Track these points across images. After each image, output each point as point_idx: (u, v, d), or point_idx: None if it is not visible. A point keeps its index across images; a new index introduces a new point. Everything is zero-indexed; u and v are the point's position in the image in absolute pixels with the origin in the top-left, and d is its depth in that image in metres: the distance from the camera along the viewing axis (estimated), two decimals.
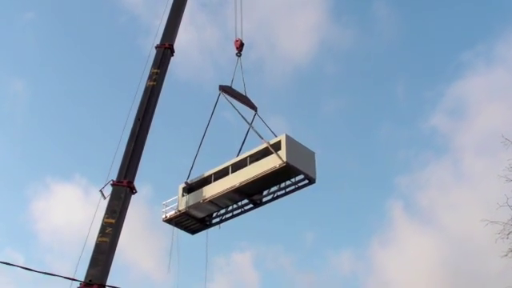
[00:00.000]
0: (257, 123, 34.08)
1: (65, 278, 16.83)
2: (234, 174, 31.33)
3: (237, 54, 36.01)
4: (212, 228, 34.22)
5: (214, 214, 33.72)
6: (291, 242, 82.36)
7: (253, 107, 34.89)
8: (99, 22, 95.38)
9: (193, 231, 34.34)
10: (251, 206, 32.54)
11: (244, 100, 34.86)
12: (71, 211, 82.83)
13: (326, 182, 31.23)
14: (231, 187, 31.02)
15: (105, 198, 28.82)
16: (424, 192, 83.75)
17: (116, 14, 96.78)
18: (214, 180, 32.07)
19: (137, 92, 31.80)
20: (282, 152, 29.58)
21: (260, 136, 31.56)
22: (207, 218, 33.84)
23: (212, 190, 31.81)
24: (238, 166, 31.42)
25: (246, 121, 33.54)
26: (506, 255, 19.03)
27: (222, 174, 31.98)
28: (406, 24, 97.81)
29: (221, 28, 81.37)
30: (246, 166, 31.05)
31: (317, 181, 30.69)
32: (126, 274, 67.74)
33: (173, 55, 33.54)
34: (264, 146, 30.76)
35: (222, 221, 33.74)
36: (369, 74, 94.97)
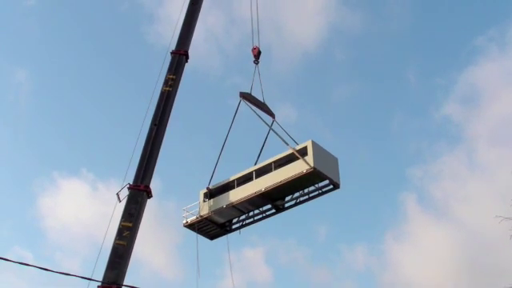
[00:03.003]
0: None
1: (82, 277, 16.79)
2: (258, 179, 31.72)
3: (254, 62, 36.62)
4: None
5: (235, 220, 34.01)
6: (303, 236, 79.95)
7: (271, 114, 35.46)
8: (101, 10, 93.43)
9: (212, 236, 34.52)
10: (273, 211, 32.91)
11: (263, 107, 35.42)
12: (79, 207, 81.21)
13: None
14: (257, 192, 31.38)
15: (120, 201, 29.25)
16: (438, 184, 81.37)
17: (117, 0, 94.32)
18: (237, 185, 32.39)
19: (152, 96, 32.36)
20: (309, 157, 30.12)
21: (285, 142, 32.14)
22: (227, 224, 34.10)
23: (236, 195, 32.11)
24: (262, 172, 31.84)
25: (268, 126, 34.30)
26: None
27: (245, 179, 32.35)
28: (417, 7, 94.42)
29: (225, 11, 79.23)
30: (270, 171, 31.48)
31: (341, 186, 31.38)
32: (136, 271, 66.37)
33: (187, 61, 34.05)
34: (289, 151, 31.26)
35: (242, 226, 34.04)
36: (380, 59, 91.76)
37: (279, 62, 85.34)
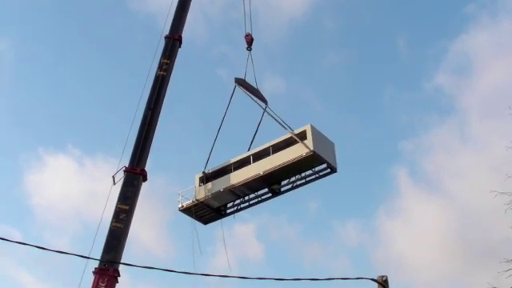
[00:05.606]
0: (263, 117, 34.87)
1: (80, 256, 16.96)
2: (255, 163, 32.04)
3: (247, 49, 36.92)
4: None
5: (229, 204, 34.23)
6: (295, 212, 78.46)
7: (264, 100, 35.82)
8: None
9: (206, 221, 34.65)
10: (270, 195, 33.26)
11: (256, 93, 35.77)
12: (66, 184, 79.99)
13: None
14: (255, 175, 31.68)
15: (114, 184, 29.40)
16: (430, 157, 79.57)
17: None
18: (234, 169, 32.63)
19: (146, 80, 32.51)
20: (309, 141, 30.62)
21: (284, 126, 32.57)
22: (222, 208, 34.27)
23: (233, 179, 32.33)
24: (259, 156, 32.16)
25: (263, 109, 34.63)
26: None
27: (242, 163, 32.60)
28: None
29: None
30: (268, 155, 31.84)
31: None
32: (127, 249, 65.27)
33: (180, 47, 34.27)
34: (287, 136, 31.70)
35: (236, 210, 34.26)
36: (369, 27, 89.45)
37: (266, 29, 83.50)
